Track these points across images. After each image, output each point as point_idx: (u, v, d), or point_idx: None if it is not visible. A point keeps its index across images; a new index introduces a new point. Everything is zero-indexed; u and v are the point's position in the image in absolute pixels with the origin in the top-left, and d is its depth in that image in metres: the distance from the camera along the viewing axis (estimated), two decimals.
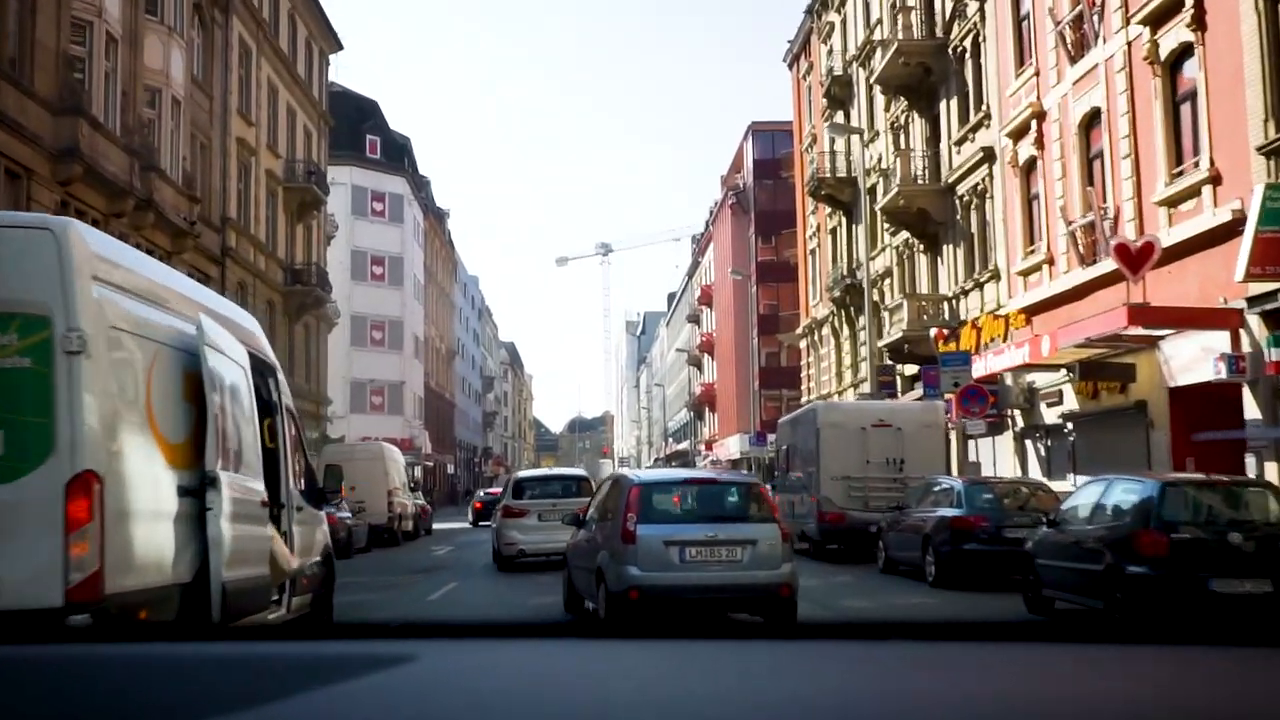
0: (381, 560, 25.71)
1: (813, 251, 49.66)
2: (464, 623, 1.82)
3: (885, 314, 33.37)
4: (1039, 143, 25.42)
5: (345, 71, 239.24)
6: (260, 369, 9.44)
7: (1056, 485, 19.96)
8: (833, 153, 43.02)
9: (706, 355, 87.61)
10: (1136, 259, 17.94)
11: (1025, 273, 26.20)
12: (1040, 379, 24.85)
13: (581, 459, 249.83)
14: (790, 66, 52.88)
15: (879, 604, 14.61)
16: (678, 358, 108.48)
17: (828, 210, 45.37)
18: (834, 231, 45.14)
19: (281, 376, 9.97)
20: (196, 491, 7.08)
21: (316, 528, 10.62)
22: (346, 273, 65.94)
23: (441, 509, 75.43)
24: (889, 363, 34.33)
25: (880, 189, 33.80)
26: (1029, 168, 26.38)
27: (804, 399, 51.60)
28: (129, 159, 26.59)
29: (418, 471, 71.97)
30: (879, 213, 35.05)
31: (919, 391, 31.41)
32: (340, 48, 50.65)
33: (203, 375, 7.14)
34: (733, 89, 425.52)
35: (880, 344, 32.76)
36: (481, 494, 56.24)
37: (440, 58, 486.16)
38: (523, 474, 23.53)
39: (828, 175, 41.96)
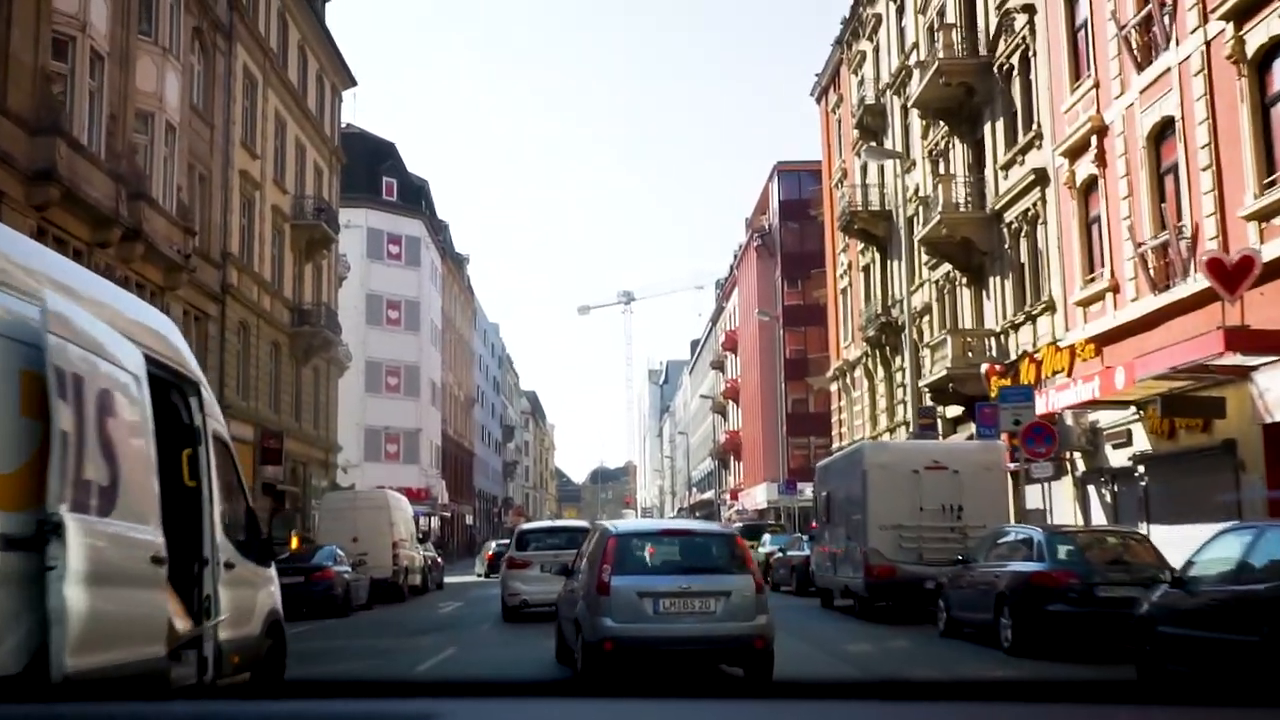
0: (382, 619, 23.47)
1: (844, 291, 47.52)
2: (436, 681, 2.09)
3: (926, 352, 31.10)
4: (1100, 160, 23.26)
5: (362, 113, 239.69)
6: (176, 384, 7.29)
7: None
8: (865, 186, 41.01)
9: (731, 402, 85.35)
10: (1233, 275, 15.71)
11: (1085, 302, 23.95)
12: (1105, 417, 22.54)
13: (604, 510, 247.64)
14: (818, 100, 51.05)
15: (949, 675, 12.24)
16: (701, 405, 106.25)
17: (860, 247, 43.28)
18: (866, 269, 43.01)
19: (209, 395, 7.76)
20: (30, 542, 4.93)
21: (259, 589, 8.40)
22: (362, 317, 64.19)
23: (459, 561, 73.13)
24: (929, 404, 32.02)
25: (919, 219, 31.68)
26: (1088, 188, 24.21)
27: (834, 445, 49.28)
28: (115, 185, 24.74)
29: (434, 522, 69.88)
30: (917, 245, 32.91)
31: (963, 434, 29.09)
32: (354, 83, 49.13)
33: (46, 377, 5.02)
34: (756, 132, 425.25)
35: (922, 384, 30.47)
36: (493, 545, 54.03)
37: (460, 101, 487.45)
38: (526, 526, 24.00)
39: (860, 209, 39.90)
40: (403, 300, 66.62)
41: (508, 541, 43.25)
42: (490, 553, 50.53)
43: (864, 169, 42.67)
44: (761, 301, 70.86)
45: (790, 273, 68.43)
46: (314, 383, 43.55)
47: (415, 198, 69.87)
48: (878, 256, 41.20)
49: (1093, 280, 23.82)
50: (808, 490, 55.55)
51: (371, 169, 66.54)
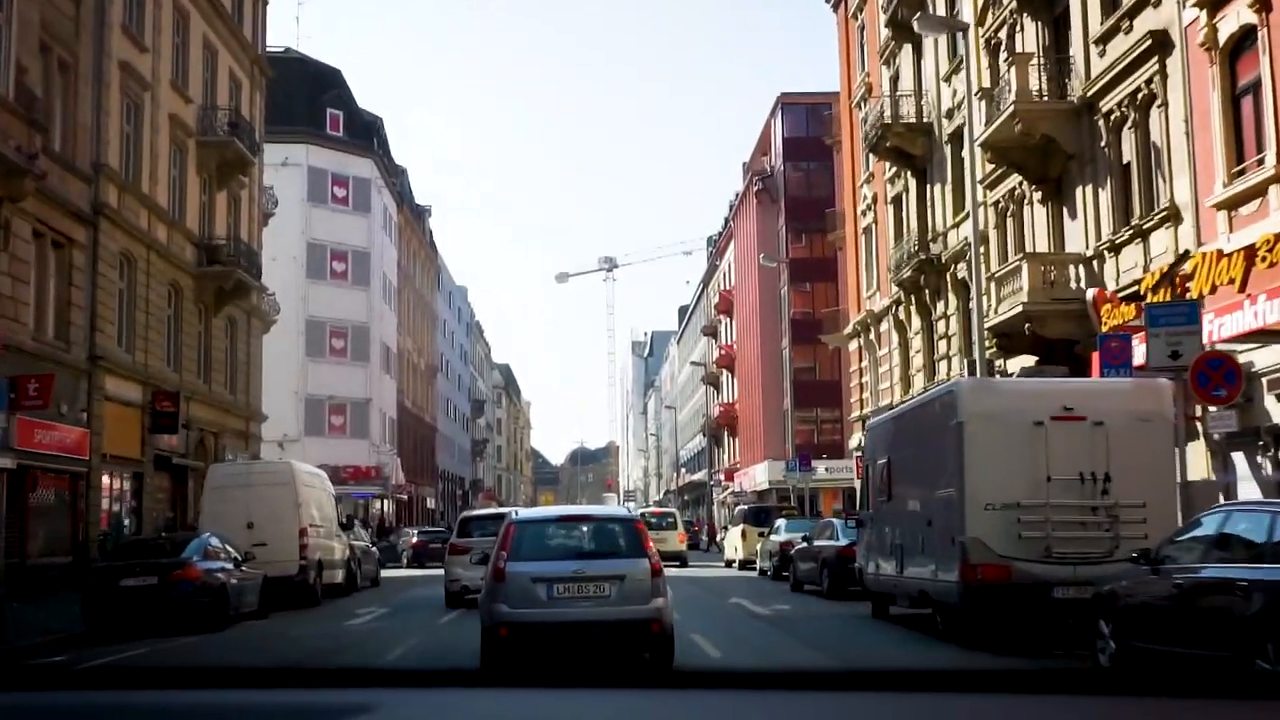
0: (266, 634, 17.90)
1: (866, 230, 41.98)
2: (340, 669, 2.10)
3: (991, 287, 25.47)
4: (1260, 4, 17.68)
5: (309, 40, 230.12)
6: None
7: None
8: (896, 99, 35.41)
9: (725, 372, 79.96)
10: None
11: (1231, 203, 18.43)
12: (1263, 358, 17.08)
13: (584, 493, 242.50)
14: (835, 7, 45.34)
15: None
16: (691, 376, 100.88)
17: (889, 174, 37.76)
18: (898, 199, 37.50)
19: None
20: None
21: None
22: (301, 269, 58.43)
23: None
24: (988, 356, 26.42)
25: (978, 119, 25.97)
26: (1237, 47, 18.66)
27: (853, 414, 43.92)
28: None
29: (386, 506, 64.31)
30: (975, 156, 27.23)
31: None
32: None
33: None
34: (755, 83, 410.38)
35: (988, 325, 24.84)
36: (414, 533, 48.83)
37: (422, 42, 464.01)
38: (469, 513, 25.35)
39: (893, 122, 34.31)
40: (349, 250, 60.80)
41: (439, 529, 43.66)
42: (415, 540, 45.35)
43: (894, 80, 37.08)
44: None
45: (796, 221, 62.94)
46: (228, 337, 37.84)
47: (365, 134, 63.92)
48: (913, 182, 35.68)
49: (1243, 173, 18.30)
50: (822, 469, 50.69)
51: (313, 99, 60.66)
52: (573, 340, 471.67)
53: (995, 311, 24.99)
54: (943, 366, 32.86)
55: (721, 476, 74.35)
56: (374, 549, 32.20)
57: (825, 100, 61.94)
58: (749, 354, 69.95)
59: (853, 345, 44.55)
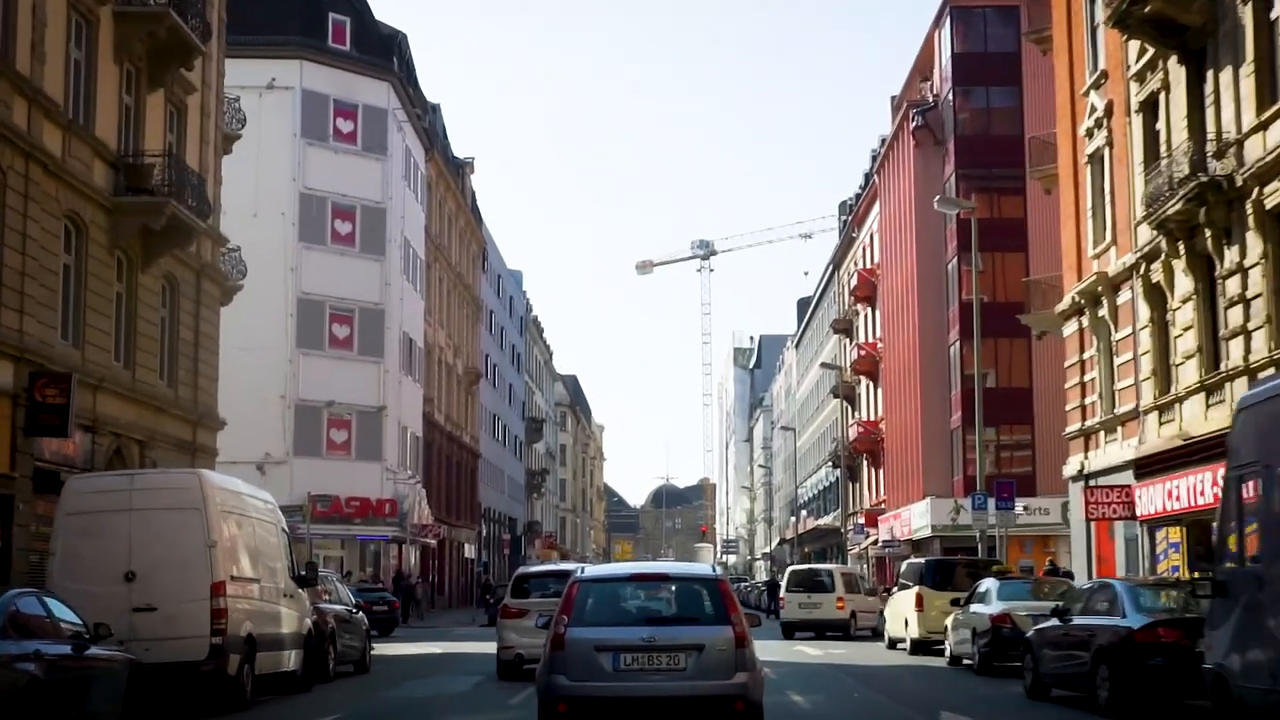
0: None
1: (1094, 158, 35.52)
2: None
3: None
4: None
5: None
6: None
7: None
8: None
9: (865, 379, 73.62)
10: None
11: None
12: None
13: (670, 543, 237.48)
14: None
15: None
16: (817, 387, 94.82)
17: (1138, 64, 31.33)
18: (1151, 102, 31.09)
19: None
20: None
21: None
22: (292, 230, 53.37)
23: (449, 611, 62.32)
24: None
25: None
26: None
27: (1069, 428, 37.46)
28: None
29: (407, 552, 58.85)
30: None
31: None
32: None
33: None
34: (877, 39, 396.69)
35: None
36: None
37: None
38: (526, 569, 26.51)
39: None
40: (358, 206, 55.51)
41: (376, 587, 44.21)
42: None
43: None
44: (921, 220, 59.05)
45: (971, 168, 56.63)
46: (166, 304, 32.47)
47: (381, 51, 58.57)
48: (1181, 72, 29.20)
49: None
50: (1026, 505, 44.60)
51: (311, 3, 55.60)
52: (655, 349, 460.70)
53: None
54: (1237, 347, 26.33)
55: (861, 519, 67.90)
56: (359, 615, 26.34)
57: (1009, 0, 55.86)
58: (900, 353, 63.56)
59: (1068, 328, 37.98)
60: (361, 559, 54.96)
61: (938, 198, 38.03)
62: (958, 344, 56.11)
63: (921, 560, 34.57)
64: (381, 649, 32.94)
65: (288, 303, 52.75)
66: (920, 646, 29.47)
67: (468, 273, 78.56)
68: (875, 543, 66.79)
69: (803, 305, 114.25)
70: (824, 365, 76.41)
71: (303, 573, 21.87)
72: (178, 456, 32.77)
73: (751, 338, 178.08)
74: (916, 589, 30.59)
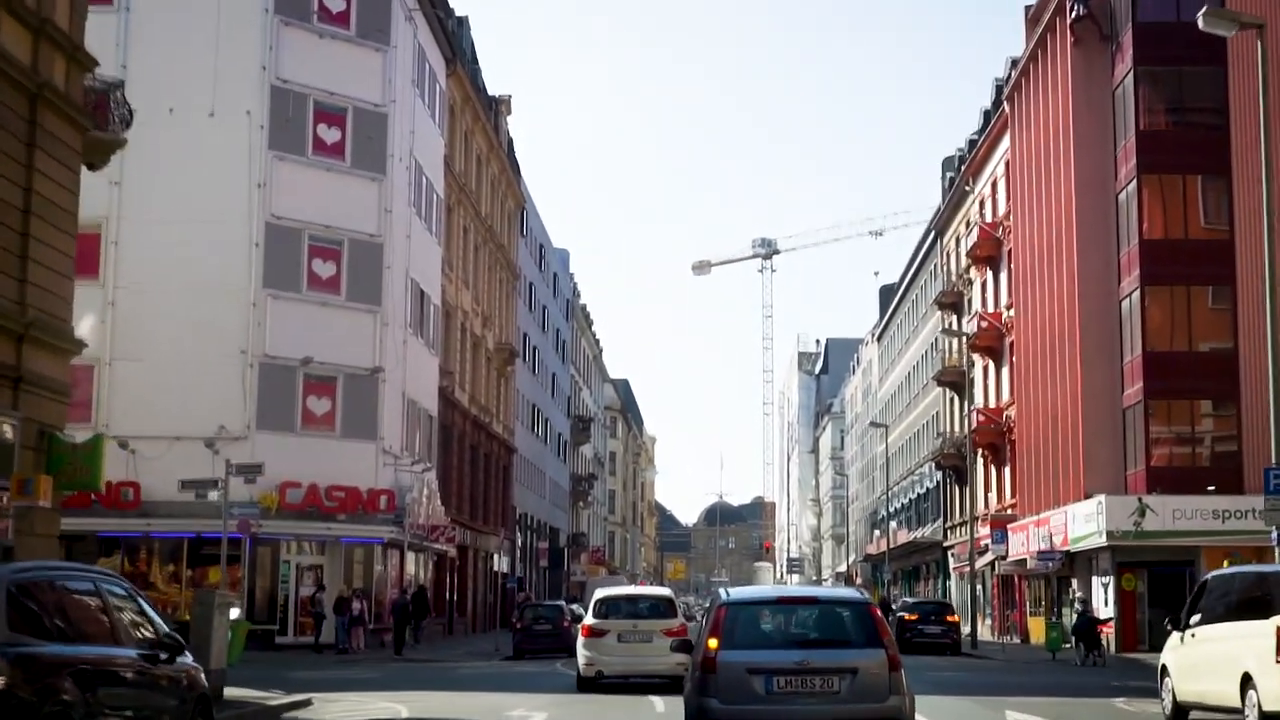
0: None
1: None
2: None
3: None
4: None
5: None
6: None
7: None
8: None
9: (985, 359, 59.74)
10: None
11: None
12: None
13: (723, 564, 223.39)
14: None
15: None
16: (906, 384, 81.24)
17: None
18: None
19: None
20: None
21: None
22: (260, 134, 40.25)
23: (460, 641, 49.13)
24: None
25: None
26: None
27: None
28: None
29: (407, 562, 45.59)
30: None
31: None
32: None
33: None
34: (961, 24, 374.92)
35: None
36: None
37: None
38: (605, 592, 27.86)
39: None
40: (349, 107, 42.18)
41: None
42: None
43: None
44: (1080, 140, 45.56)
45: (1156, 66, 43.13)
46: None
47: None
48: None
49: None
50: (1192, 509, 37.11)
51: None
52: (710, 356, 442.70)
53: None
54: None
55: (985, 525, 53.80)
56: (176, 664, 12.84)
57: None
58: (1042, 319, 49.81)
59: None
60: (347, 568, 41.60)
61: (1203, 11, 24.61)
62: (1136, 294, 42.33)
63: (1245, 572, 20.21)
64: (316, 707, 20.44)
65: (253, 229, 39.68)
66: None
67: (502, 230, 65.25)
68: (1006, 560, 52.92)
69: (885, 294, 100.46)
70: (946, 332, 62.10)
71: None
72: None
73: (817, 341, 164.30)
74: (1247, 622, 16.86)
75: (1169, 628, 19.89)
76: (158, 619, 12.20)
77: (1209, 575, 19.41)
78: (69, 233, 22.50)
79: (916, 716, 17.33)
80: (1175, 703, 18.69)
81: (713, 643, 12.22)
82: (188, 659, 12.39)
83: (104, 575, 11.81)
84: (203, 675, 12.82)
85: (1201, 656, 17.90)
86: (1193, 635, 18.36)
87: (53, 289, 21.82)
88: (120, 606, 11.50)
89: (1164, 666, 19.28)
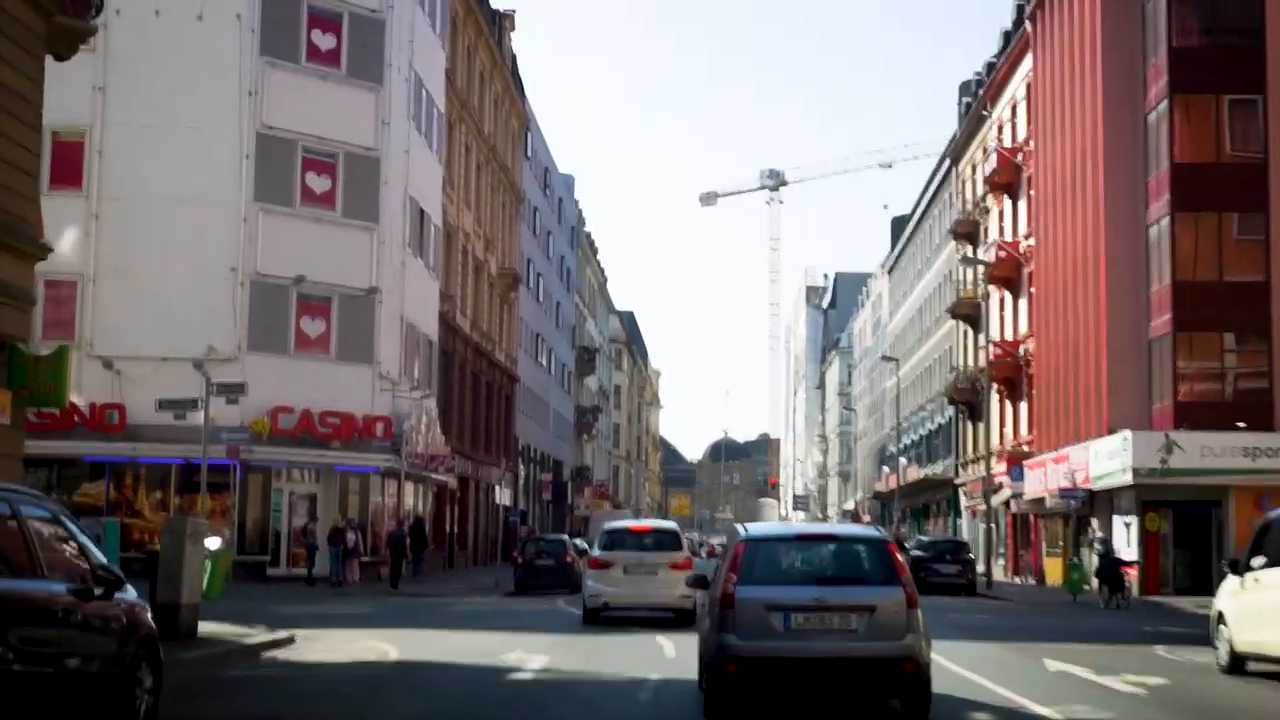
0: None
1: None
2: None
3: None
4: None
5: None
6: None
7: None
8: None
9: (1002, 291, 57.84)
10: None
11: None
12: None
13: (727, 499, 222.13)
14: None
15: None
16: (924, 309, 79.12)
17: None
18: None
19: None
20: None
21: None
22: (251, 38, 38.47)
23: (461, 574, 47.77)
24: None
25: None
26: None
27: None
28: None
29: (405, 494, 44.10)
30: None
31: None
32: None
33: None
34: None
35: None
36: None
37: None
38: (613, 524, 28.84)
39: None
40: (346, 12, 40.24)
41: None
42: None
43: None
44: (1108, 59, 43.43)
45: None
46: None
47: None
48: None
49: None
50: (1223, 446, 35.55)
51: None
52: (716, 289, 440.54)
53: None
54: None
55: (996, 461, 52.19)
56: (113, 600, 11.22)
57: None
58: (1064, 246, 47.90)
59: None
60: (342, 498, 40.03)
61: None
62: (1166, 220, 40.42)
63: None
64: (298, 645, 18.95)
65: (243, 140, 37.86)
66: None
67: (505, 151, 63.29)
68: (1020, 498, 51.30)
69: (897, 226, 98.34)
70: (965, 260, 59.96)
71: None
72: None
73: (826, 275, 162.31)
74: None
75: (1226, 570, 18.33)
76: (93, 549, 10.56)
77: (1273, 513, 17.67)
78: (33, 126, 20.69)
79: (953, 665, 16.01)
80: (1233, 653, 17.07)
81: (732, 578, 12.16)
82: (129, 594, 10.74)
83: (23, 495, 10.11)
84: (148, 613, 11.14)
85: (1266, 603, 16.22)
86: (1255, 580, 16.69)
87: (14, 186, 20.04)
88: (44, 533, 9.87)
89: (1220, 614, 17.60)
